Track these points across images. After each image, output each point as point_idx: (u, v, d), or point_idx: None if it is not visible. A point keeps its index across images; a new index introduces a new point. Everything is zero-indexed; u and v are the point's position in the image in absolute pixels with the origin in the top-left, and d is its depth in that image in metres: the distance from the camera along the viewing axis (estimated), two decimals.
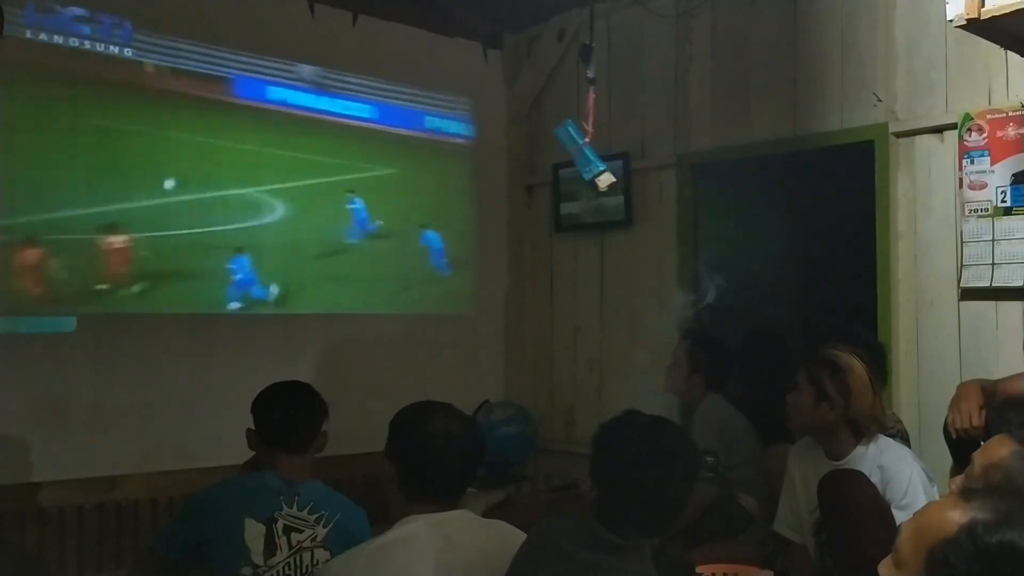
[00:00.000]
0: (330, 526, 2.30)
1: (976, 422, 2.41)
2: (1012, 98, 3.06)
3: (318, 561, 2.24)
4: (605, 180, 3.01)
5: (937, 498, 2.46)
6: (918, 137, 3.32)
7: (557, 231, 4.58)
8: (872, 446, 2.55)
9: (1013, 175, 3.04)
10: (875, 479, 2.47)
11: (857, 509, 2.37)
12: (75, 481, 3.40)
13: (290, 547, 2.24)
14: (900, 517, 2.36)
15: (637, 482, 1.71)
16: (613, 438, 1.79)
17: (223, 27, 3.86)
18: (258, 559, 2.21)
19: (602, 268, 4.41)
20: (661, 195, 4.15)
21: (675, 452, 1.75)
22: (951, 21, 2.35)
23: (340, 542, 2.22)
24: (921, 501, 2.40)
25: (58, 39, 3.45)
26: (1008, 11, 2.18)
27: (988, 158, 3.08)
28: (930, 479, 2.52)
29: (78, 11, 3.49)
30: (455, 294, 4.63)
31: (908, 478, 2.46)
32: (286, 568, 2.24)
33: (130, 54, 3.61)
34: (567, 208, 4.49)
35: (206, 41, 3.80)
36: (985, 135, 3.09)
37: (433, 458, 1.93)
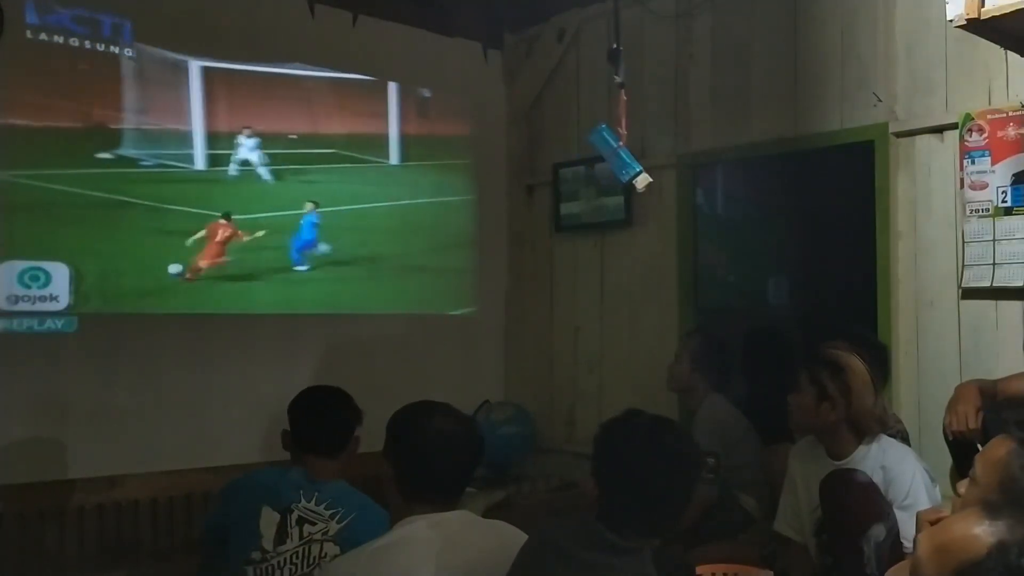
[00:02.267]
0: (344, 523, 2.34)
1: (972, 424, 2.43)
2: (1012, 98, 3.06)
3: (327, 554, 2.28)
4: (643, 181, 3.02)
5: (939, 499, 2.47)
6: (918, 137, 3.31)
7: (557, 231, 4.58)
8: (874, 446, 2.55)
9: (1013, 175, 3.04)
10: (877, 479, 2.46)
11: (859, 509, 2.37)
12: (75, 481, 3.39)
13: (300, 537, 2.30)
14: (902, 517, 2.37)
15: (639, 482, 1.71)
16: (615, 438, 1.78)
17: (223, 26, 3.86)
18: (268, 545, 2.29)
19: (602, 268, 4.41)
20: (661, 195, 4.14)
21: (677, 452, 1.75)
22: (951, 21, 2.36)
23: (353, 540, 2.23)
24: (923, 501, 2.40)
25: (58, 39, 3.46)
26: (1008, 11, 2.19)
27: (989, 158, 3.08)
28: (932, 479, 2.52)
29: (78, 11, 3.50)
30: (455, 294, 4.63)
31: (910, 478, 2.46)
32: (294, 557, 2.29)
33: (130, 54, 3.62)
34: (567, 208, 4.49)
35: (206, 41, 3.81)
36: (985, 135, 3.09)
37: (432, 458, 1.94)
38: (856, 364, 2.56)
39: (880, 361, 3.10)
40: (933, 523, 1.58)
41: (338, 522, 2.33)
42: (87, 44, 3.52)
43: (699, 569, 2.58)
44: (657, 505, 1.72)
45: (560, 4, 4.45)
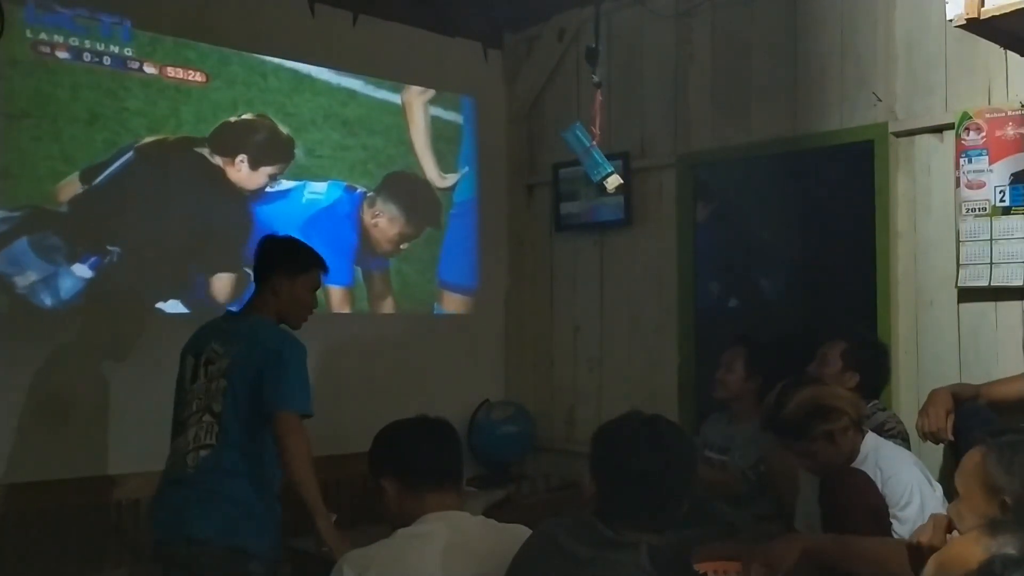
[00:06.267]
0: (233, 357, 2.68)
1: (941, 424, 2.64)
2: (1012, 98, 3.06)
3: (225, 387, 2.66)
4: (613, 182, 3.02)
5: (939, 498, 2.47)
6: (918, 137, 3.32)
7: (557, 231, 4.58)
8: (871, 447, 2.55)
9: (1012, 175, 3.04)
10: (875, 479, 2.47)
11: (857, 509, 2.38)
12: (75, 481, 3.39)
13: (206, 376, 2.72)
14: (900, 517, 2.37)
15: (633, 476, 1.74)
16: (610, 434, 1.82)
17: (223, 26, 3.86)
18: (186, 384, 2.78)
19: (602, 268, 4.41)
20: (661, 195, 4.14)
21: (670, 446, 1.78)
22: (951, 21, 2.36)
23: (240, 373, 2.64)
24: (920, 502, 2.41)
25: (58, 38, 3.45)
26: (1008, 11, 2.19)
27: (986, 157, 3.08)
28: (929, 480, 2.52)
29: (78, 10, 3.50)
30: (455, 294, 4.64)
31: (908, 479, 2.46)
32: (201, 392, 2.72)
33: (130, 53, 3.62)
34: (567, 208, 4.49)
35: (206, 40, 3.81)
36: (983, 134, 3.09)
37: (417, 448, 2.07)
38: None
39: (880, 362, 3.11)
40: (940, 524, 1.78)
41: (229, 357, 2.70)
42: (87, 43, 3.52)
43: (699, 566, 2.57)
44: (652, 499, 1.74)
45: (560, 4, 4.45)
